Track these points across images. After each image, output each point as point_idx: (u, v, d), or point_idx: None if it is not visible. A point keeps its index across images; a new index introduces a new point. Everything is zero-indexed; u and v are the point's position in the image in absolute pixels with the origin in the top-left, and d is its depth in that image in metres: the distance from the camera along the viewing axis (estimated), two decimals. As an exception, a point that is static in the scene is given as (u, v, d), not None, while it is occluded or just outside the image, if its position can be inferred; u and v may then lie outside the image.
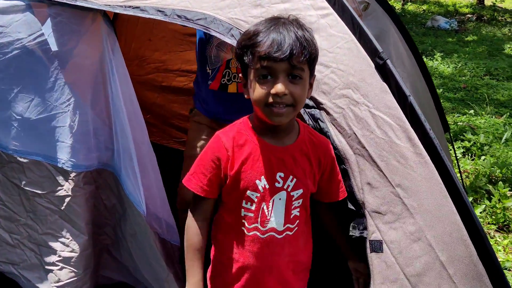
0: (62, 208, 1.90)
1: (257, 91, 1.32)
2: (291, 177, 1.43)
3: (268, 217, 1.43)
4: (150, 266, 1.99)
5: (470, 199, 3.36)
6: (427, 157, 1.46)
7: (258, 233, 1.44)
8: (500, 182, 3.49)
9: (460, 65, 6.90)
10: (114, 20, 3.09)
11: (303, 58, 1.28)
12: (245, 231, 1.44)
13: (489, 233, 3.09)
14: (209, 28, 1.71)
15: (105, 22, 1.85)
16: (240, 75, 1.41)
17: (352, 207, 1.53)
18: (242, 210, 1.43)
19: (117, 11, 1.82)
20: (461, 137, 4.41)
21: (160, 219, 1.98)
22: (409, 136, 1.49)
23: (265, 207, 1.43)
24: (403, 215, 1.48)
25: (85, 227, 1.93)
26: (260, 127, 1.42)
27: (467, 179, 3.72)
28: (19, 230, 2.02)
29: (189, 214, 1.49)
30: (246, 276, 1.46)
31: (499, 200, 3.30)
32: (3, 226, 2.03)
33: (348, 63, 1.57)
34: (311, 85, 1.41)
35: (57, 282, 1.96)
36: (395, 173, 1.49)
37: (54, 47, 1.84)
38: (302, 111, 1.60)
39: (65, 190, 1.88)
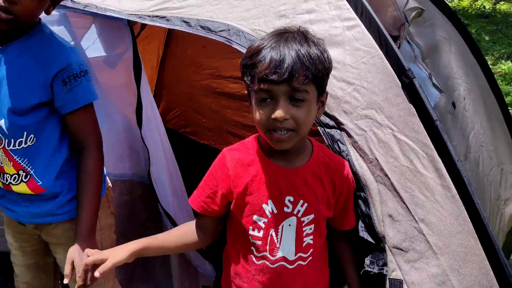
0: None
1: (257, 115, 1.21)
2: (301, 201, 1.30)
3: (277, 245, 1.32)
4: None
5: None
6: (455, 192, 1.27)
7: (267, 262, 1.33)
8: None
9: (553, 71, 6.20)
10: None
11: (305, 79, 1.13)
12: (254, 260, 1.34)
13: None
14: (231, 40, 1.66)
15: (128, 30, 1.88)
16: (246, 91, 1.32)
17: (371, 240, 1.38)
18: (250, 237, 1.33)
19: (146, 22, 1.83)
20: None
21: None
22: (436, 166, 1.31)
23: (273, 234, 1.31)
24: (427, 255, 1.30)
25: None
26: (268, 147, 1.30)
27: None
28: None
29: None
30: None
31: None
32: None
33: (372, 81, 1.41)
34: (322, 103, 1.27)
35: None
36: (420, 207, 1.32)
37: (101, 53, 1.89)
38: (321, 130, 1.47)
39: None
